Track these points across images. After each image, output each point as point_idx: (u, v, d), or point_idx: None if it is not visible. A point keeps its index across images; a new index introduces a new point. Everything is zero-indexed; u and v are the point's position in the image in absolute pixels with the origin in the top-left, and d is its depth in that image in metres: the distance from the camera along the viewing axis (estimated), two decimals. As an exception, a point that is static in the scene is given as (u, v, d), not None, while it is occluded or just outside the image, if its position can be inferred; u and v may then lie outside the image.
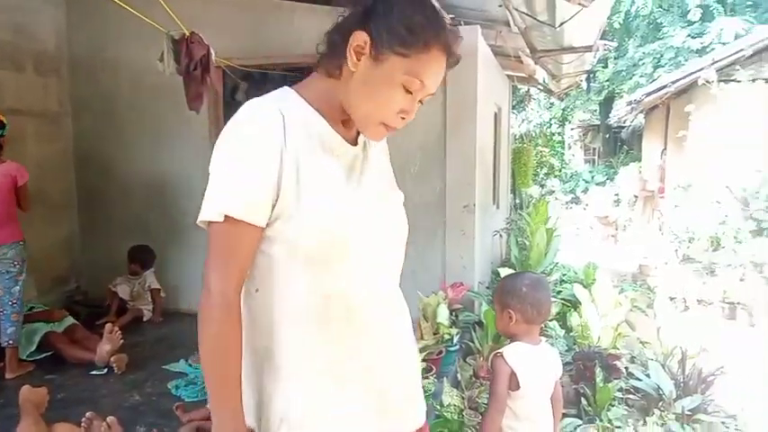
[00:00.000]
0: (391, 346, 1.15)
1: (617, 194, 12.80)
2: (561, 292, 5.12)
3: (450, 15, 3.99)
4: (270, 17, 4.61)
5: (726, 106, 5.95)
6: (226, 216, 0.98)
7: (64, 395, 3.23)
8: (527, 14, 3.68)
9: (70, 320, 4.02)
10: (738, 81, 6.11)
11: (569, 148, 20.08)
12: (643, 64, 12.12)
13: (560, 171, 16.87)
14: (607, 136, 16.89)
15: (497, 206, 6.68)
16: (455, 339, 3.79)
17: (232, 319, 1.01)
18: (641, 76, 11.96)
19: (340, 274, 1.05)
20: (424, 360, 3.37)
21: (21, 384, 2.60)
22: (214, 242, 1.00)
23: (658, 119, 10.31)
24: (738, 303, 5.87)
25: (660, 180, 10.44)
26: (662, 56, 11.68)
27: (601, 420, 3.01)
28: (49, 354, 3.78)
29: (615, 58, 14.08)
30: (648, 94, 7.20)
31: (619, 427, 2.92)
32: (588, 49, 4.39)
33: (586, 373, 3.41)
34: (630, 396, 3.29)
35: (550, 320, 4.29)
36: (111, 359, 3.60)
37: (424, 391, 2.98)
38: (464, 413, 2.88)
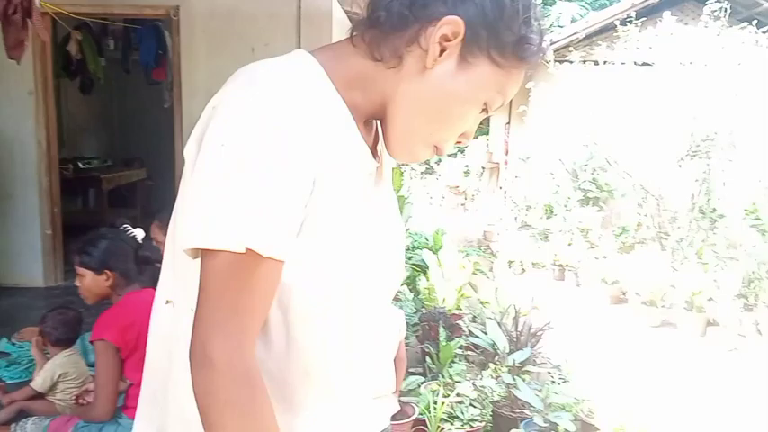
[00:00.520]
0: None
1: (467, 166, 13.52)
2: (413, 257, 5.32)
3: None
4: (106, -41, 4.20)
5: (560, 85, 6.46)
6: (248, 249, 0.66)
7: None
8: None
9: None
10: (571, 62, 6.65)
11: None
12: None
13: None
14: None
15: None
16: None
17: (261, 396, 0.69)
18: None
19: (350, 322, 0.81)
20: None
21: None
22: (222, 283, 0.67)
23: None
24: (566, 266, 6.48)
25: (504, 153, 11.18)
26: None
27: (443, 376, 3.18)
28: None
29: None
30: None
31: (459, 382, 3.11)
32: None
33: (431, 332, 3.59)
34: (470, 352, 3.52)
35: (402, 285, 4.44)
36: None
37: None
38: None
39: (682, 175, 5.90)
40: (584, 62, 6.81)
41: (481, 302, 4.28)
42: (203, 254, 0.68)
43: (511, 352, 3.34)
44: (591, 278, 6.05)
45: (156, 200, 7.37)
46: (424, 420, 2.75)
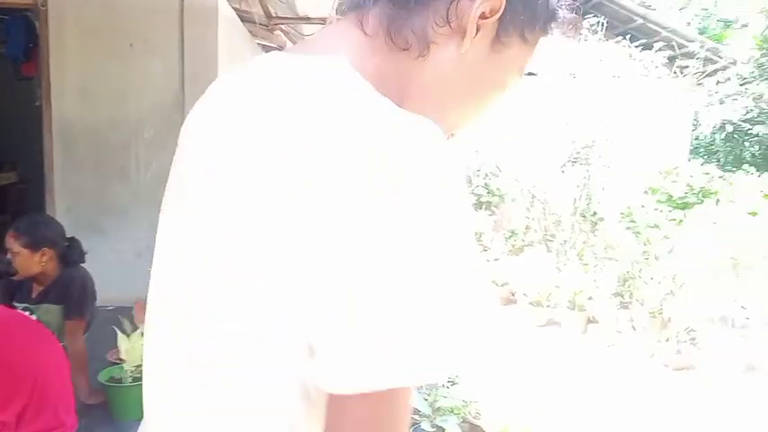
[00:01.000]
0: None
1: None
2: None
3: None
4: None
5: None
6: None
7: None
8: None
9: None
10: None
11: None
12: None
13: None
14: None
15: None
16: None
17: None
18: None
19: None
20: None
21: None
22: (397, 426, 0.51)
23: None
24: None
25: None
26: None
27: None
28: None
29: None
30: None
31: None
32: (323, 21, 4.44)
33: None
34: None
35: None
36: None
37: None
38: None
39: (564, 180, 6.20)
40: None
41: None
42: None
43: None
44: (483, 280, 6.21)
45: (29, 205, 6.78)
46: None
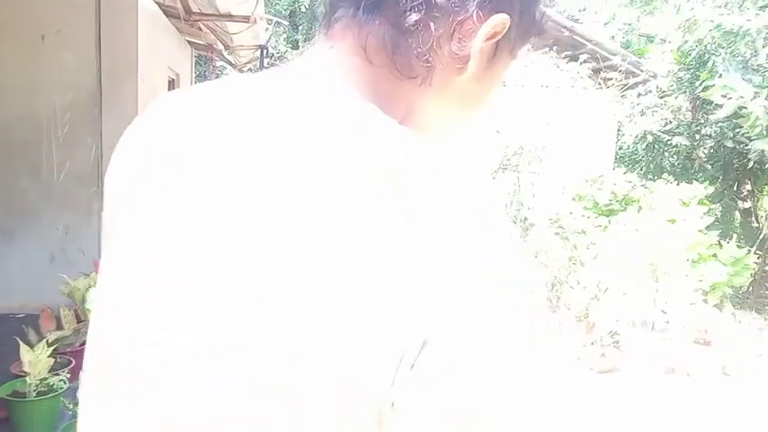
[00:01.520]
0: None
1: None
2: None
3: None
4: None
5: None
6: None
7: None
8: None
9: None
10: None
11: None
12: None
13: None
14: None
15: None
16: (107, 326, 3.39)
17: None
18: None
19: None
20: (62, 353, 2.90)
21: None
22: None
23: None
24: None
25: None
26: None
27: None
28: None
29: (304, 41, 14.63)
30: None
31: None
32: (246, 19, 4.31)
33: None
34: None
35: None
36: None
37: (55, 390, 2.56)
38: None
39: (496, 186, 6.30)
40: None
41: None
42: None
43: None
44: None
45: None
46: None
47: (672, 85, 7.14)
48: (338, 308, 0.48)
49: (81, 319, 3.25)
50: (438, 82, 0.63)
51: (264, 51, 6.01)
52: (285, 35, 16.09)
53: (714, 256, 5.44)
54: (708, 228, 5.66)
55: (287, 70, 0.66)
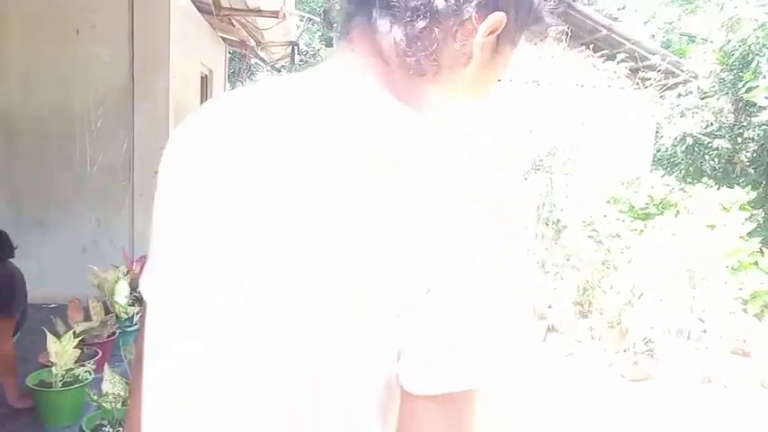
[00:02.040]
0: None
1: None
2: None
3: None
4: None
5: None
6: None
7: None
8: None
9: None
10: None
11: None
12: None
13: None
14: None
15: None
16: (135, 319, 3.42)
17: None
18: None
19: None
20: (89, 345, 2.93)
21: None
22: (465, 423, 0.61)
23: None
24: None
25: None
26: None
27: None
28: None
29: (339, 38, 14.65)
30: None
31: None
32: (275, 14, 4.30)
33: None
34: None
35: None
36: None
37: (80, 381, 2.58)
38: (128, 402, 2.56)
39: (528, 187, 6.18)
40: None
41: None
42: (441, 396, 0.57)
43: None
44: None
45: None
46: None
47: (714, 86, 6.91)
48: (354, 298, 0.55)
49: (109, 310, 3.28)
50: (446, 76, 0.70)
51: (296, 48, 6.01)
52: (319, 33, 16.14)
53: (755, 263, 5.23)
54: (749, 234, 5.45)
55: (318, 73, 0.72)
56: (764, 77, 4.60)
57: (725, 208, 5.64)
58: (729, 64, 6.56)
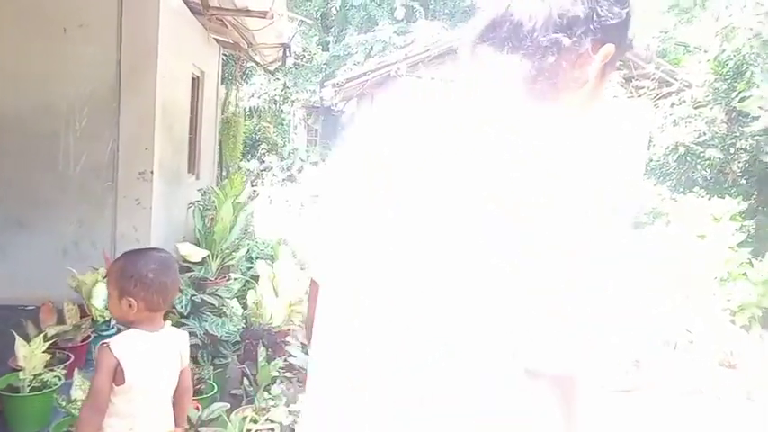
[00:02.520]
0: None
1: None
2: (251, 268, 5.00)
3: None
4: None
5: (412, 100, 6.50)
6: None
7: None
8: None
9: None
10: (420, 77, 6.73)
11: (295, 127, 20.45)
12: (357, 53, 12.84)
13: (281, 149, 17.10)
14: (323, 118, 17.63)
15: (197, 177, 6.29)
16: (112, 323, 3.37)
17: None
18: (355, 64, 12.63)
19: None
20: (61, 349, 2.89)
21: None
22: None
23: (366, 106, 11.00)
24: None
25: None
26: (372, 47, 12.52)
27: (259, 401, 2.91)
28: None
29: (335, 43, 14.64)
30: (349, 80, 7.55)
31: (275, 406, 2.86)
32: (263, 15, 4.26)
33: (253, 352, 3.31)
34: (288, 374, 3.27)
35: (231, 298, 4.12)
36: None
37: (49, 386, 2.53)
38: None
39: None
40: (433, 78, 6.93)
41: (313, 318, 4.06)
42: None
43: (335, 372, 3.15)
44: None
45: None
46: (228, 452, 2.47)
47: (707, 96, 6.89)
48: (348, 302, 0.68)
49: (86, 313, 3.23)
50: (566, 97, 0.90)
51: (288, 50, 5.97)
52: (316, 37, 16.14)
53: (744, 274, 5.21)
54: (739, 245, 5.42)
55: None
56: (758, 87, 4.58)
57: (716, 218, 5.61)
58: (723, 74, 6.54)
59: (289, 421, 2.76)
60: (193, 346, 3.27)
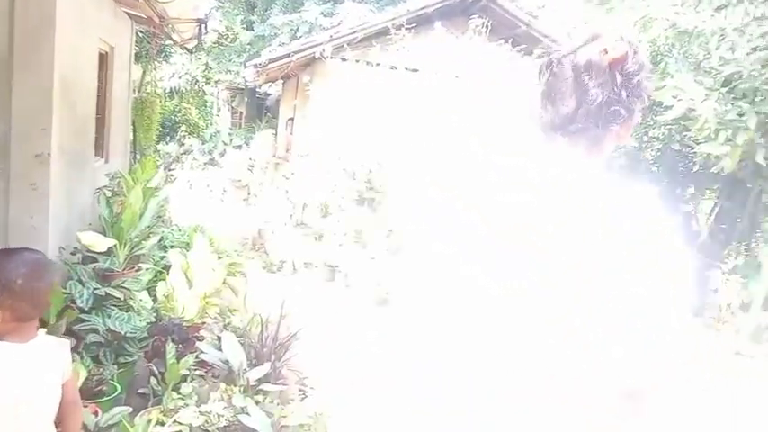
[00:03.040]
0: None
1: (252, 159, 12.99)
2: (165, 257, 4.72)
3: None
4: None
5: (337, 82, 6.34)
6: None
7: None
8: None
9: None
10: (345, 60, 6.58)
11: (219, 109, 19.75)
12: (282, 33, 12.45)
13: (203, 131, 16.47)
14: (247, 100, 17.12)
15: (106, 160, 5.88)
16: None
17: None
18: (280, 45, 12.25)
19: None
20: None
21: None
22: None
23: (290, 88, 10.71)
24: (337, 266, 6.38)
25: (286, 148, 10.92)
26: (299, 28, 12.18)
27: (167, 401, 2.72)
28: None
29: (260, 22, 14.15)
30: (272, 61, 7.29)
31: (184, 406, 2.68)
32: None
33: (162, 348, 3.10)
34: (204, 371, 3.09)
35: (140, 290, 3.85)
36: None
37: None
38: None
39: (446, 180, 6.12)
40: (359, 62, 6.79)
41: (230, 311, 3.87)
42: None
43: (252, 368, 3.00)
44: (360, 279, 6.01)
45: None
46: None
47: (624, 86, 7.08)
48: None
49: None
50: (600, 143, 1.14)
51: (204, 26, 5.65)
52: (241, 16, 15.57)
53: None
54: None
55: None
56: (672, 77, 4.73)
57: (631, 205, 5.79)
58: (639, 65, 6.73)
59: (199, 422, 2.59)
60: (95, 344, 3.03)
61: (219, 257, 4.50)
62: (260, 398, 2.70)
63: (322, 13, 12.13)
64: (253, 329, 3.41)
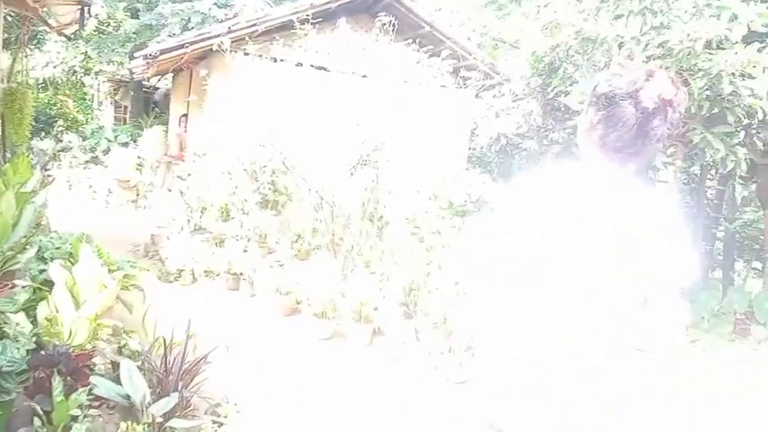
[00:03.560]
0: None
1: (140, 158, 12.11)
2: (45, 272, 4.15)
3: None
4: None
5: (237, 77, 5.97)
6: None
7: None
8: None
9: None
10: (247, 54, 6.22)
11: (101, 103, 18.31)
12: (171, 23, 11.70)
13: (83, 126, 15.19)
14: (133, 94, 16.02)
15: (-32, 160, 5.15)
16: None
17: None
18: (169, 35, 11.50)
19: None
20: None
21: None
22: None
23: (183, 83, 10.08)
24: (241, 274, 6.01)
25: (179, 147, 10.27)
26: (190, 19, 11.49)
27: (54, 447, 2.32)
28: None
29: (146, 11, 13.22)
30: (164, 51, 6.74)
31: (77, 452, 2.30)
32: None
33: (46, 383, 2.66)
34: (94, 409, 2.68)
35: (15, 312, 3.33)
36: None
37: None
38: None
39: (353, 182, 5.95)
40: (261, 56, 6.45)
41: (126, 333, 3.45)
42: None
43: (156, 400, 2.65)
44: (266, 287, 5.69)
45: None
46: None
47: (524, 89, 7.28)
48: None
49: None
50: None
51: (88, 11, 5.07)
52: (124, 3, 14.48)
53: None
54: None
55: None
56: (577, 83, 4.87)
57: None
58: (539, 69, 6.95)
59: (96, 471, 2.22)
60: (-40, 384, 2.54)
61: (110, 270, 4.01)
62: (168, 436, 2.38)
63: (216, 3, 11.52)
64: (154, 353, 3.04)
